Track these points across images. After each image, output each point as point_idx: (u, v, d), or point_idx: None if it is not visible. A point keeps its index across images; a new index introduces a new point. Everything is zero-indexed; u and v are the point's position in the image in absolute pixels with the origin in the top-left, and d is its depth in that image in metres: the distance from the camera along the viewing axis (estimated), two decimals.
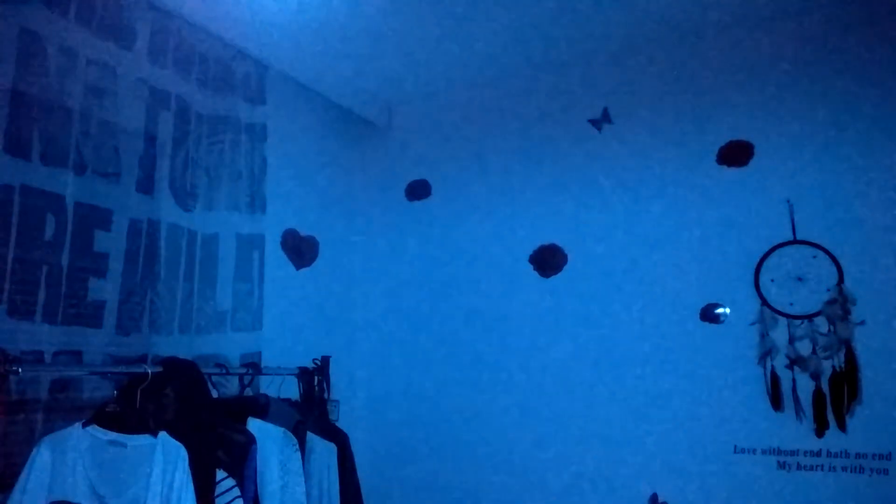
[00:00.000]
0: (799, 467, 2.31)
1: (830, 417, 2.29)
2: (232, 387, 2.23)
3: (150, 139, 2.19)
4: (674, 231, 2.63)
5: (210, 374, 2.00)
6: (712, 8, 2.53)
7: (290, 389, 2.32)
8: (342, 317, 3.15)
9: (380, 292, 3.24)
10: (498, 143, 3.07)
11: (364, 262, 3.29)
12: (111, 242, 2.02)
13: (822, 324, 2.34)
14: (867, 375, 2.26)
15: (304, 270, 2.92)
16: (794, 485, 2.31)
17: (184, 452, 1.64)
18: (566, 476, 2.67)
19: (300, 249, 2.90)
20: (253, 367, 2.27)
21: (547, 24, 2.62)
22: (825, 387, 2.31)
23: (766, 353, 2.40)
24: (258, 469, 1.85)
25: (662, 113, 2.73)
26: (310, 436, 2.10)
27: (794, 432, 2.33)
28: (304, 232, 2.94)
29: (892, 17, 2.40)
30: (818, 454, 2.30)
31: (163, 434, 1.65)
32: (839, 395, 2.28)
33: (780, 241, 2.45)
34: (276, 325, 2.63)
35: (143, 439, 1.63)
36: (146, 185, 2.16)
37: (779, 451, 2.35)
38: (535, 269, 2.90)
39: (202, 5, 2.27)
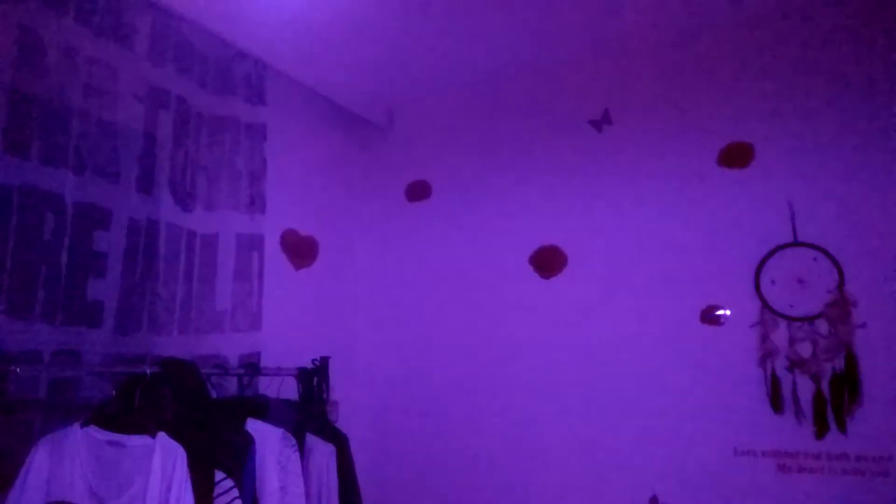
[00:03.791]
0: (799, 469, 2.31)
1: (831, 420, 2.29)
2: (231, 387, 2.23)
3: (150, 139, 2.19)
4: (674, 233, 2.63)
5: (209, 375, 1.99)
6: (713, 9, 2.53)
7: (290, 390, 2.31)
8: (342, 317, 3.14)
9: (379, 293, 3.23)
10: (498, 144, 3.07)
11: (364, 263, 3.29)
12: (110, 242, 2.02)
13: (822, 326, 2.34)
14: (867, 378, 2.26)
15: (303, 271, 2.92)
16: (795, 487, 2.31)
17: (182, 453, 1.63)
18: (567, 478, 2.67)
19: (300, 250, 2.90)
20: (252, 367, 2.26)
21: (546, 26, 2.62)
22: (825, 389, 2.31)
23: (767, 355, 2.40)
24: (257, 470, 1.85)
25: (663, 114, 2.73)
26: (309, 436, 2.09)
27: (795, 434, 2.33)
28: (303, 232, 2.93)
29: (892, 18, 2.40)
30: (818, 456, 2.29)
31: (161, 434, 1.64)
32: (839, 397, 2.28)
33: (781, 242, 2.44)
34: (276, 326, 2.62)
35: (142, 440, 1.62)
36: (146, 185, 2.15)
37: (779, 454, 2.34)
38: (535, 270, 2.89)
39: (203, 4, 2.26)
